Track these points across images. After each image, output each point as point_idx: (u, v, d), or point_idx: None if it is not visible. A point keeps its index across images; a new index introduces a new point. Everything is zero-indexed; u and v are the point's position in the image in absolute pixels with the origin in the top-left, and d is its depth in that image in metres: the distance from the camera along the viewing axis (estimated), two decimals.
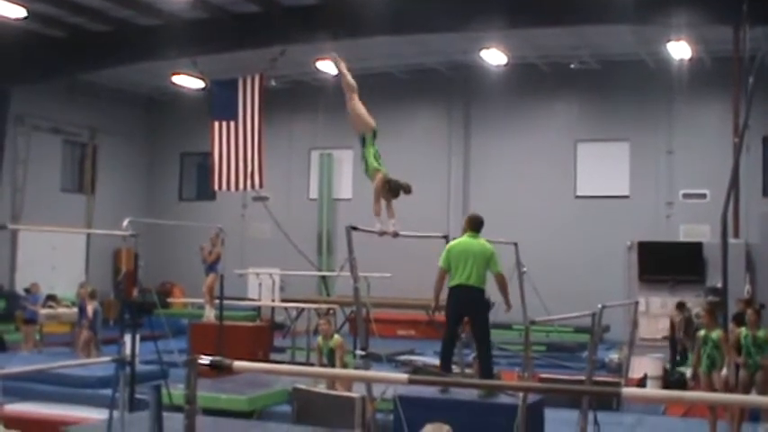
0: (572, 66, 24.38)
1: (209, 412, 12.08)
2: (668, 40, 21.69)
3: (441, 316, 10.62)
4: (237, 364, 4.85)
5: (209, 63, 21.29)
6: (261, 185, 19.03)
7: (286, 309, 21.53)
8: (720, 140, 21.47)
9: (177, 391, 11.58)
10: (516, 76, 25.06)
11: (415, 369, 13.78)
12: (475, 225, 10.29)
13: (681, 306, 17.53)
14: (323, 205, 27.61)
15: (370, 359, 10.11)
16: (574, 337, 20.16)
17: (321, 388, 13.14)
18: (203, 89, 23.74)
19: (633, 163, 24.78)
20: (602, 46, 23.31)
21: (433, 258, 12.62)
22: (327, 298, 23.75)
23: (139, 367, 14.15)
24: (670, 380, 16.19)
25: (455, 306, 10.01)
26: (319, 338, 13.88)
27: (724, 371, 12.44)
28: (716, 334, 12.65)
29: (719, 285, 16.67)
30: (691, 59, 22.97)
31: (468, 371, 11.70)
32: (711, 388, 12.28)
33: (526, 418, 8.57)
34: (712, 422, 12.42)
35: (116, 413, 9.31)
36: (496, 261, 9.95)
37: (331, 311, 21.31)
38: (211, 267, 18.27)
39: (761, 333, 12.69)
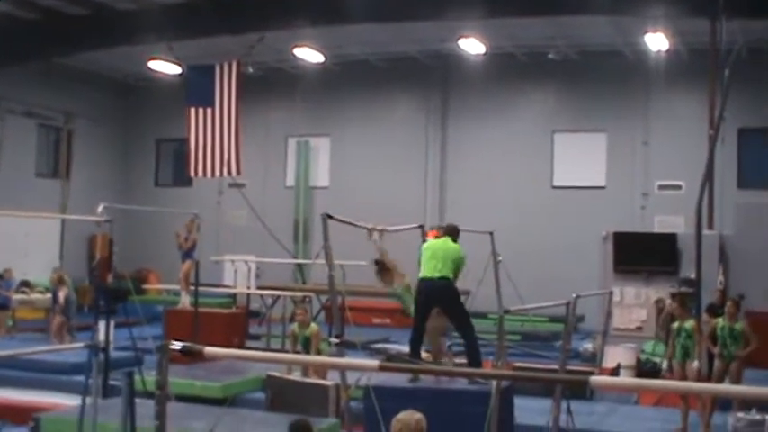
0: (550, 56, 24.42)
1: (183, 399, 12.05)
2: (646, 32, 21.77)
3: None
4: (209, 350, 4.84)
5: (186, 49, 21.15)
6: (237, 172, 18.95)
7: (261, 296, 21.49)
8: (696, 132, 21.57)
9: (151, 378, 11.53)
10: (494, 65, 25.08)
11: (389, 357, 13.79)
12: (449, 231, 10.75)
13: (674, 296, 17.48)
14: (299, 193, 27.57)
15: (345, 347, 10.12)
16: (548, 326, 20.25)
17: (296, 375, 13.15)
18: (180, 75, 23.62)
19: (609, 154, 24.88)
20: (580, 36, 23.36)
21: (409, 247, 12.63)
22: (303, 285, 23.71)
23: (114, 353, 14.10)
24: (643, 369, 16.30)
25: (421, 298, 10.29)
26: (294, 326, 13.87)
27: (696, 362, 12.54)
28: (689, 324, 12.76)
29: (693, 276, 16.78)
30: (668, 51, 23.08)
31: (457, 360, 11.74)
32: (684, 378, 12.37)
33: (499, 404, 8.59)
34: (684, 411, 12.53)
35: (89, 399, 9.27)
36: (461, 264, 10.35)
37: (307, 299, 21.31)
38: (187, 254, 18.19)
39: (737, 325, 12.78)
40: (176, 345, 4.99)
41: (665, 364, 13.40)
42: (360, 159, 26.81)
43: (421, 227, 11.96)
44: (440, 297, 10.20)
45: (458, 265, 10.26)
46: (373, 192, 25.63)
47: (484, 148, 25.73)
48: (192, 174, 19.30)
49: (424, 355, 10.84)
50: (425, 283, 10.16)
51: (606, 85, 24.60)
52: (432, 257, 10.15)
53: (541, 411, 11.70)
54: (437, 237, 10.97)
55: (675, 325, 12.96)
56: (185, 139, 19.28)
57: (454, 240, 10.52)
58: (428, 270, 10.09)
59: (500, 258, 13.99)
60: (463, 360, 12.02)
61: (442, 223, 22.41)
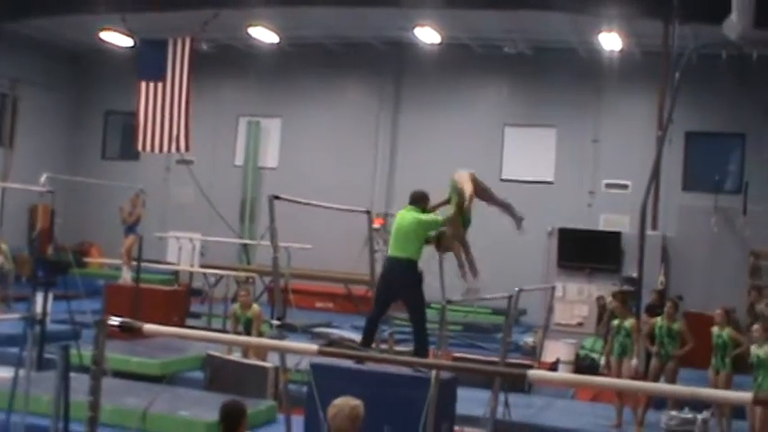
0: (505, 50, 24.48)
1: (120, 375, 11.94)
2: (600, 32, 21.93)
3: (357, 290, 10.58)
4: (148, 327, 4.77)
5: (139, 21, 20.84)
6: (186, 149, 18.74)
7: (205, 275, 21.33)
8: (645, 133, 21.79)
9: (88, 352, 11.36)
10: (449, 55, 25.09)
11: (331, 342, 13.78)
12: (412, 199, 9.87)
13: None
14: (248, 173, 27.38)
15: (286, 330, 10.06)
16: (491, 318, 20.37)
17: (236, 356, 13.09)
18: (132, 48, 23.27)
19: (559, 150, 25.03)
20: (536, 32, 23.45)
21: (355, 232, 12.61)
22: (247, 266, 23.60)
23: (51, 327, 13.91)
24: (581, 365, 16.47)
25: (381, 277, 9.76)
26: (236, 307, 13.81)
27: (634, 360, 12.72)
28: (629, 323, 12.95)
29: (635, 275, 17.00)
30: (621, 51, 23.28)
31: (399, 348, 11.73)
32: (620, 375, 12.53)
33: (439, 393, 8.61)
34: (619, 408, 12.71)
35: (22, 372, 9.12)
36: (432, 218, 9.48)
37: (250, 280, 21.22)
38: (130, 228, 18.00)
39: (675, 325, 12.97)
40: (115, 320, 4.91)
41: (602, 361, 13.56)
42: (310, 142, 26.70)
43: (368, 212, 11.90)
44: (396, 278, 9.43)
45: (420, 236, 9.45)
46: (322, 175, 25.54)
47: (434, 138, 25.74)
48: (140, 148, 19.04)
49: None
50: (386, 263, 9.54)
51: (559, 82, 24.73)
52: (393, 234, 9.47)
53: (479, 402, 11.78)
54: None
55: (615, 323, 13.14)
56: (135, 113, 19.03)
57: (421, 210, 9.65)
58: (390, 248, 9.43)
59: None
60: (405, 348, 12.03)
61: (389, 210, 22.53)
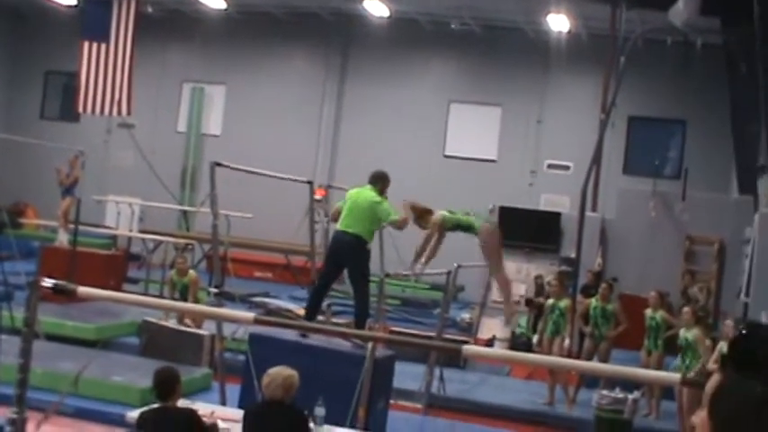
0: (453, 26, 24.50)
1: (54, 338, 11.76)
2: (548, 12, 22.03)
3: (297, 260, 10.49)
4: (83, 289, 4.70)
5: None
6: (127, 112, 18.51)
7: (143, 240, 21.11)
8: (588, 115, 22.00)
9: (20, 314, 11.21)
10: (396, 29, 25.03)
11: (269, 311, 13.75)
12: (372, 178, 9.71)
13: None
14: (190, 139, 27.12)
15: (224, 298, 10.01)
16: (429, 293, 20.45)
17: (172, 323, 12.99)
18: (75, 6, 22.86)
19: (503, 128, 25.16)
20: (485, 10, 23.47)
21: (297, 202, 12.57)
22: (186, 233, 23.40)
23: None
24: (517, 343, 16.64)
25: (330, 250, 9.72)
26: (173, 273, 13.72)
27: (567, 341, 12.87)
28: (563, 303, 13.09)
29: (573, 256, 17.19)
30: (568, 33, 23.43)
31: (320, 318, 11.69)
32: (552, 354, 12.67)
33: (375, 369, 8.64)
34: (551, 386, 12.87)
35: None
36: (386, 210, 9.31)
37: (189, 247, 21.04)
38: (68, 190, 17.74)
39: (610, 306, 13.16)
40: (48, 282, 4.83)
41: (535, 339, 13.72)
42: (254, 110, 26.50)
43: (310, 183, 11.86)
44: (343, 253, 9.42)
45: (373, 218, 9.34)
46: (265, 143, 25.38)
47: (379, 111, 25.72)
48: (81, 110, 18.77)
49: None
50: (334, 237, 9.47)
51: (506, 61, 24.81)
52: (348, 208, 9.35)
53: (415, 377, 11.84)
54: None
55: (550, 302, 13.28)
56: (76, 73, 18.71)
57: (379, 192, 9.46)
58: (341, 223, 9.32)
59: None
60: (343, 320, 12.03)
61: (331, 181, 22.46)
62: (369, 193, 9.44)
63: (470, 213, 9.78)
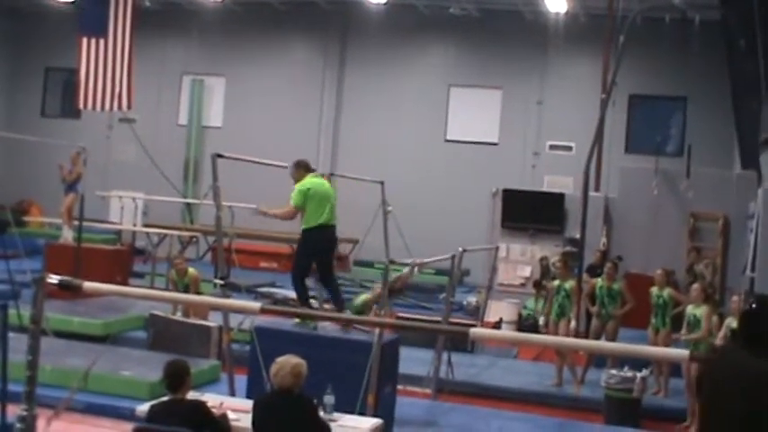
0: (451, 10, 24.43)
1: (63, 335, 11.81)
2: None
3: None
4: (88, 284, 4.71)
5: None
6: (128, 107, 18.48)
7: (148, 234, 21.15)
8: (589, 95, 21.94)
9: (27, 312, 11.23)
10: (395, 15, 24.99)
11: (275, 302, 13.78)
12: (310, 167, 10.02)
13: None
14: (191, 132, 27.12)
15: (230, 289, 10.03)
16: (434, 279, 20.47)
17: (178, 317, 13.02)
18: (72, 2, 22.83)
19: (504, 111, 25.12)
20: None
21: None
22: (190, 225, 23.43)
23: None
24: (524, 325, 16.66)
25: (324, 243, 9.75)
26: (172, 273, 13.71)
27: (573, 322, 12.85)
28: (569, 284, 13.10)
29: (578, 236, 17.18)
30: (566, 14, 23.36)
31: (326, 306, 11.73)
32: (557, 335, 12.68)
33: (381, 355, 8.66)
34: (559, 366, 12.89)
35: None
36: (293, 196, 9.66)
37: (194, 240, 21.07)
38: (71, 187, 17.72)
39: (615, 285, 13.15)
40: (53, 278, 4.84)
41: (541, 320, 13.72)
42: (254, 101, 26.48)
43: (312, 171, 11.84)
44: (333, 246, 9.88)
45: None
46: (266, 134, 25.37)
47: (380, 97, 25.70)
48: (82, 106, 18.74)
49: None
50: (325, 232, 9.55)
51: (505, 44, 24.76)
52: (326, 201, 9.53)
53: (423, 362, 11.88)
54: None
55: (556, 283, 13.29)
56: (76, 70, 18.70)
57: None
58: (329, 216, 9.48)
59: (390, 209, 14.04)
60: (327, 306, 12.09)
61: (333, 169, 22.48)
62: (327, 183, 9.94)
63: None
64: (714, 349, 10.16)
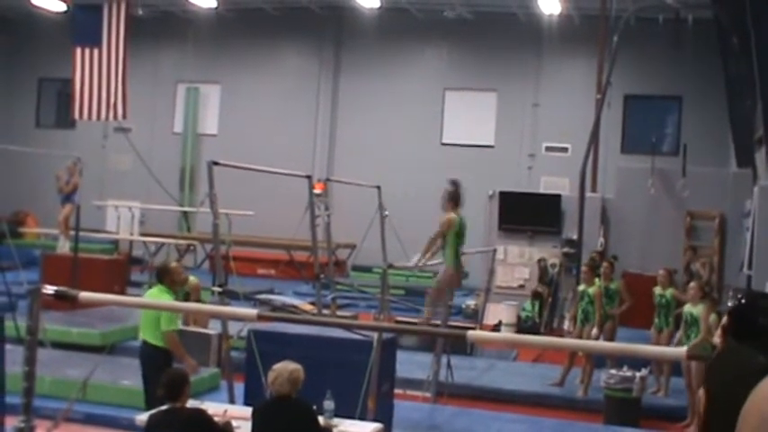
0: (445, 14, 24.46)
1: (61, 346, 11.79)
2: None
3: (299, 256, 10.51)
4: (84, 294, 4.70)
5: None
6: (123, 116, 18.47)
7: (145, 243, 21.13)
8: (584, 96, 21.97)
9: (24, 324, 11.23)
10: (389, 20, 24.99)
11: (274, 308, 13.75)
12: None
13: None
14: (187, 140, 27.10)
15: (228, 297, 10.01)
16: (432, 282, 20.40)
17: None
18: (65, 12, 22.81)
19: (499, 113, 25.13)
20: None
21: (297, 198, 12.55)
22: (187, 234, 23.41)
23: None
24: (523, 327, 16.65)
25: None
26: None
27: (595, 330, 12.65)
28: (592, 289, 12.84)
29: (575, 237, 17.19)
30: (560, 15, 23.38)
31: (325, 311, 11.75)
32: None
33: (380, 355, 8.65)
34: (567, 368, 12.80)
35: None
36: None
37: (191, 248, 21.05)
38: (67, 197, 17.73)
39: (613, 285, 13.12)
40: (49, 289, 4.83)
41: (566, 325, 13.61)
42: (250, 108, 26.48)
43: (308, 177, 11.86)
44: None
45: None
46: (262, 141, 25.36)
47: (375, 102, 25.70)
48: (77, 116, 18.73)
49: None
50: None
51: (499, 46, 24.78)
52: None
53: (422, 365, 11.86)
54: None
55: (580, 288, 13.11)
56: (70, 80, 18.69)
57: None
58: None
59: (386, 213, 14.03)
60: (347, 312, 12.07)
61: (330, 175, 22.47)
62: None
63: None
64: (711, 347, 10.14)
